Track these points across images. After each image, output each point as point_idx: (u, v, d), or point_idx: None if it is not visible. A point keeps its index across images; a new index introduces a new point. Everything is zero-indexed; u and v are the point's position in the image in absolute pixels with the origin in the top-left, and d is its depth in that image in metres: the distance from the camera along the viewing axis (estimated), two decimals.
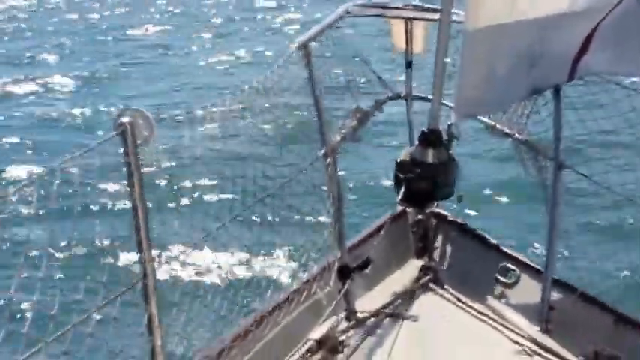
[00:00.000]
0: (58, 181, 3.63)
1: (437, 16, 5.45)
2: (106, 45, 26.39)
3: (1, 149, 18.30)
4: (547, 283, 6.11)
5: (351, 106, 6.12)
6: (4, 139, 18.85)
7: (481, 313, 6.24)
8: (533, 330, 6.06)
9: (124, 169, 3.99)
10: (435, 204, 6.71)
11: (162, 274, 4.31)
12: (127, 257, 4.19)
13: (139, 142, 4.04)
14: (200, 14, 29.01)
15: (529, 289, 6.34)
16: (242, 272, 4.97)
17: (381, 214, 6.59)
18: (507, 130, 6.15)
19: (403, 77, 6.46)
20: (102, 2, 31.30)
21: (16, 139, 18.80)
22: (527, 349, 5.88)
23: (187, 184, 4.27)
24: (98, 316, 4.05)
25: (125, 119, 4.02)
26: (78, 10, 30.09)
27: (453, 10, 5.17)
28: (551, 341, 5.95)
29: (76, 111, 20.53)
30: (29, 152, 17.90)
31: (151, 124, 4.05)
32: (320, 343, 5.75)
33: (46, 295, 3.75)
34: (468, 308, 6.28)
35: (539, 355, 5.83)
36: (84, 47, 26.04)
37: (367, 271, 5.92)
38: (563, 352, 5.84)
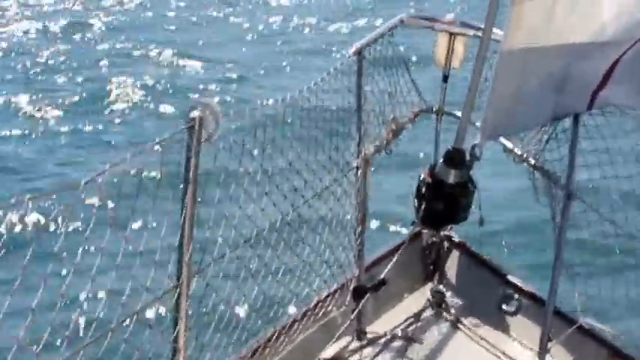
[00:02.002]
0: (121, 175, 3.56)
1: (478, 33, 5.49)
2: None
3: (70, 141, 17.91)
4: (548, 314, 6.08)
5: (388, 117, 6.10)
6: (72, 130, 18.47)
7: (482, 339, 6.27)
8: (532, 359, 6.05)
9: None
10: (450, 227, 6.71)
11: (196, 281, 4.23)
12: (171, 259, 4.08)
13: (202, 139, 4.02)
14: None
15: (530, 318, 6.36)
16: (268, 284, 4.88)
17: (399, 231, 6.55)
18: (524, 155, 6.16)
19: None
20: None
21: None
22: None
23: (229, 187, 4.18)
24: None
25: (196, 113, 4.01)
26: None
27: (494, 29, 5.16)
28: None
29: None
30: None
31: (218, 119, 4.04)
32: None
33: (91, 294, 3.65)
34: (470, 334, 6.32)
35: None
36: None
37: (381, 291, 5.96)
38: None
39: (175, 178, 3.94)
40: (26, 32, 25.61)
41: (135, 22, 27.09)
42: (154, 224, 4.03)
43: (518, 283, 6.61)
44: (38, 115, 19.41)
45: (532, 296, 6.48)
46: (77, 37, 25.56)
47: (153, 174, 3.76)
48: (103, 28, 26.30)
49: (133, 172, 3.67)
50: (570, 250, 6.14)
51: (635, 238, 6.20)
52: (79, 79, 21.79)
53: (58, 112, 19.49)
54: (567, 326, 6.14)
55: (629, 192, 6.43)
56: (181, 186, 4.02)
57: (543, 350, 6.05)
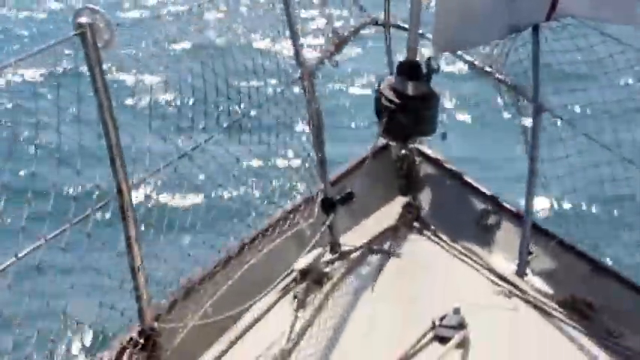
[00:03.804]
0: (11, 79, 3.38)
1: None
2: None
3: None
4: (526, 228, 5.95)
5: (328, 30, 5.88)
6: None
7: (462, 254, 6.06)
8: (512, 273, 5.89)
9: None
10: (418, 140, 6.48)
11: (135, 195, 4.03)
12: (99, 173, 3.88)
13: (99, 45, 3.78)
14: None
15: (509, 233, 6.18)
16: (221, 198, 4.71)
17: (362, 146, 6.34)
18: (487, 69, 5.98)
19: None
20: None
21: None
22: (506, 291, 5.70)
23: (158, 97, 4.00)
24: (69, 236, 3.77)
25: (84, 19, 3.76)
26: None
27: None
28: (528, 285, 5.79)
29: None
30: None
31: (112, 26, 3.78)
32: (304, 273, 5.59)
33: (14, 207, 3.49)
34: (449, 248, 6.11)
35: (516, 296, 5.66)
36: None
37: (351, 204, 5.77)
38: (539, 295, 5.67)
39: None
40: None
41: None
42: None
43: (496, 197, 6.42)
44: None
45: (509, 211, 6.29)
46: None
47: (50, 81, 3.55)
48: None
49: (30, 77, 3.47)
50: (544, 163, 5.98)
51: (609, 149, 6.03)
52: None
53: None
54: (546, 241, 6.00)
55: (599, 103, 6.25)
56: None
57: (522, 264, 5.91)
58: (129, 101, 3.69)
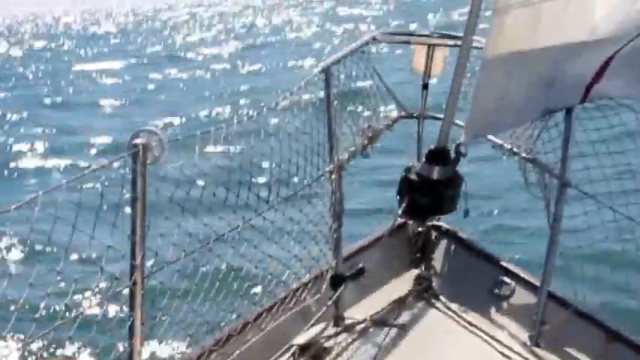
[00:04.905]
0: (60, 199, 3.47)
1: (458, 42, 5.26)
2: None
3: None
4: (541, 298, 5.86)
5: (364, 125, 5.96)
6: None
7: (472, 325, 6.00)
8: (525, 344, 5.82)
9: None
10: (437, 217, 6.52)
11: (152, 278, 4.17)
12: (119, 266, 3.98)
13: (148, 162, 3.97)
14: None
15: (523, 303, 6.12)
16: (234, 280, 4.75)
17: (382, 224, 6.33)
18: (515, 149, 5.93)
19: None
20: None
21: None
22: None
23: (190, 195, 4.13)
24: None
25: (139, 140, 3.95)
26: None
27: (474, 37, 4.96)
28: (542, 356, 5.71)
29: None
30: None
31: (163, 145, 3.98)
32: (303, 349, 5.53)
33: (37, 291, 3.56)
34: (459, 319, 6.06)
35: None
36: None
37: (361, 280, 5.71)
38: None
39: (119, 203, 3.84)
40: None
41: None
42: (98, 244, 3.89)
43: (512, 269, 6.36)
44: None
45: (525, 281, 6.22)
46: None
47: (94, 197, 3.68)
48: None
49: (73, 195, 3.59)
50: (565, 238, 5.90)
51: (635, 223, 5.93)
52: None
53: None
54: (562, 310, 5.90)
55: (626, 180, 6.16)
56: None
57: (537, 335, 5.82)
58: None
